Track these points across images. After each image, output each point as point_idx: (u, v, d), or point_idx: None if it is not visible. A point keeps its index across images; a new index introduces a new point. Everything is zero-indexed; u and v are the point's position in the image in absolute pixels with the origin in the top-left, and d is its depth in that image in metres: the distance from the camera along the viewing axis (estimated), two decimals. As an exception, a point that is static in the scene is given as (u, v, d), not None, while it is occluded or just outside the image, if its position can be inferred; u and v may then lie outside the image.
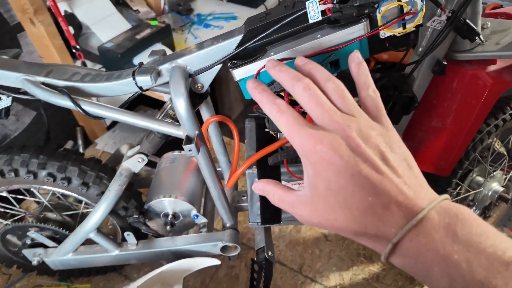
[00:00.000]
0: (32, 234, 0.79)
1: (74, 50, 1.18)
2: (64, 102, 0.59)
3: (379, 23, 0.50)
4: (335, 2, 0.49)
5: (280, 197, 0.36)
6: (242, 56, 0.58)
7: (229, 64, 0.58)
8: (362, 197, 0.28)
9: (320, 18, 0.50)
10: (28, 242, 0.83)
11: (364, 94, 0.35)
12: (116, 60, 1.11)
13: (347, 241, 1.18)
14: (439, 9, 0.62)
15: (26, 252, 0.83)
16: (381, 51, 0.57)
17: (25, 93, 0.64)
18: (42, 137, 1.34)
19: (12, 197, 0.85)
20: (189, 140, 0.61)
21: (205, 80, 0.62)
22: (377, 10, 0.50)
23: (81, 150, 1.56)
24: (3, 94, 0.64)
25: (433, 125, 0.71)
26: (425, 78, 0.66)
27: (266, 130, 0.78)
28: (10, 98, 0.65)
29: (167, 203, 0.81)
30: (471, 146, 0.79)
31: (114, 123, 1.63)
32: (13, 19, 1.19)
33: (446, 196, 0.29)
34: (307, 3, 0.50)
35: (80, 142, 1.57)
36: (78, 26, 1.22)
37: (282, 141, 0.72)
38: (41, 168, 0.73)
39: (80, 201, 0.94)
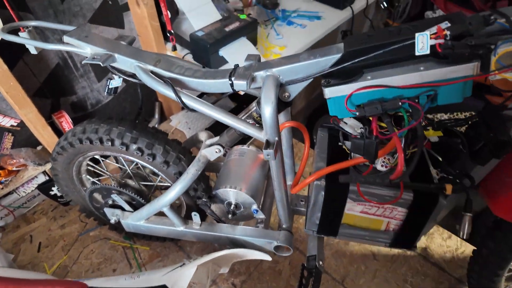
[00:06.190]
0: (115, 196, 0.90)
1: (168, 34, 1.28)
2: (167, 92, 0.66)
3: (492, 66, 0.48)
4: (448, 38, 0.48)
5: None
6: (336, 75, 0.59)
7: (322, 81, 0.59)
8: None
9: (428, 52, 0.49)
10: (110, 202, 0.95)
11: None
12: (204, 49, 1.19)
13: (395, 264, 1.16)
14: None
15: (107, 210, 0.95)
16: (483, 92, 0.54)
17: (134, 76, 0.73)
18: (129, 107, 1.49)
19: (102, 160, 0.97)
20: (268, 145, 0.65)
21: (294, 90, 0.65)
22: (493, 53, 0.48)
23: (156, 124, 1.69)
24: (116, 75, 0.72)
25: (525, 173, 0.66)
26: (527, 124, 0.61)
27: (340, 144, 0.79)
28: (121, 79, 0.74)
29: (232, 193, 0.86)
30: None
31: (188, 104, 1.73)
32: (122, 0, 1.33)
33: None
34: (417, 35, 0.49)
35: (157, 116, 1.70)
36: (176, 11, 1.31)
37: (356, 160, 0.72)
38: (133, 142, 0.83)
39: (155, 174, 1.04)
